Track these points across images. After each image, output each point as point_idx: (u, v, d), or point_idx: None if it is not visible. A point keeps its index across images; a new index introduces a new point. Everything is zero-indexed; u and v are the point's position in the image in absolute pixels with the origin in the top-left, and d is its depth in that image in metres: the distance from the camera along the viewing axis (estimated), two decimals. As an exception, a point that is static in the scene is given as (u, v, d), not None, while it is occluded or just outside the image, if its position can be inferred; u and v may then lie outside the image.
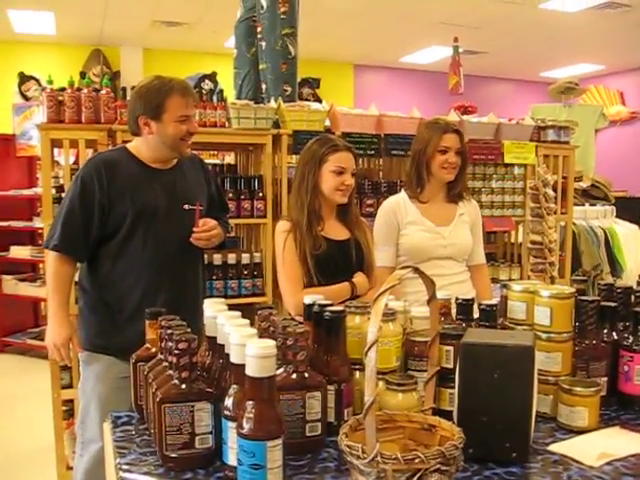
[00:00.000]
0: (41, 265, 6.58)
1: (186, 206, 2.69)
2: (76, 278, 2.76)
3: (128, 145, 2.75)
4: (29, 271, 6.93)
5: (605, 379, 1.82)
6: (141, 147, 2.70)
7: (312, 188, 2.64)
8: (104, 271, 2.64)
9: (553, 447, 1.55)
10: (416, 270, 1.36)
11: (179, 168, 2.77)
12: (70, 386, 3.49)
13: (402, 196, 3.04)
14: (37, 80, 9.00)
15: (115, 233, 2.60)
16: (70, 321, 2.67)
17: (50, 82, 3.49)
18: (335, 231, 2.71)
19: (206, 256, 3.53)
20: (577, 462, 1.47)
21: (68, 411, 3.58)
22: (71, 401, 3.54)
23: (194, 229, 2.67)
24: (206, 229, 2.70)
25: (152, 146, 2.67)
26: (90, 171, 2.59)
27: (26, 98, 8.80)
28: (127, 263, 2.62)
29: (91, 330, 2.70)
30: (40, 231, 6.19)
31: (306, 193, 2.65)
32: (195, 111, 2.73)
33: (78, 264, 2.71)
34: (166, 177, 2.71)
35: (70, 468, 3.45)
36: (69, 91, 3.36)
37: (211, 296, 3.20)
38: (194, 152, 2.94)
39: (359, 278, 2.67)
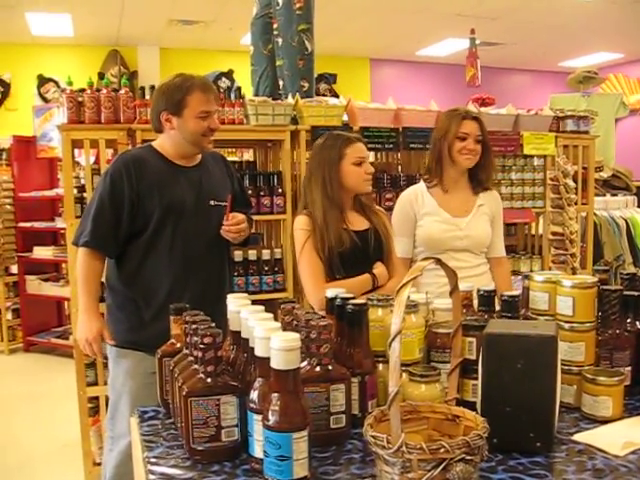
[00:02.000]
0: (64, 265, 6.64)
1: (212, 202, 2.74)
2: (102, 278, 2.79)
3: (153, 143, 2.80)
4: (52, 271, 7.00)
5: (629, 368, 1.81)
6: (165, 144, 2.74)
7: (337, 185, 2.66)
8: (132, 267, 2.68)
9: (577, 437, 1.55)
10: (438, 261, 1.37)
11: (204, 165, 2.82)
12: (95, 383, 3.53)
13: (420, 187, 3.03)
14: (56, 82, 9.07)
15: (143, 229, 2.65)
16: (100, 316, 2.72)
17: (70, 83, 3.53)
18: (355, 222, 2.72)
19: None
20: (602, 451, 1.47)
21: (93, 408, 3.61)
22: (96, 398, 3.58)
23: (224, 222, 2.71)
24: (235, 222, 2.73)
25: (174, 142, 2.72)
26: (119, 168, 2.64)
27: (45, 100, 8.88)
28: (155, 259, 2.66)
29: (120, 326, 2.74)
30: (62, 231, 6.27)
31: (331, 190, 2.66)
32: (217, 107, 2.77)
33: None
34: (192, 174, 2.75)
35: (97, 464, 3.49)
36: (88, 92, 3.39)
37: (232, 292, 3.22)
38: (216, 151, 2.99)
39: (379, 269, 2.68)
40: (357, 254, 2.65)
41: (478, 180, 3.00)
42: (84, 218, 2.69)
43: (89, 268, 2.66)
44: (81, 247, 2.65)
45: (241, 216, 2.78)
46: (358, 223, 2.73)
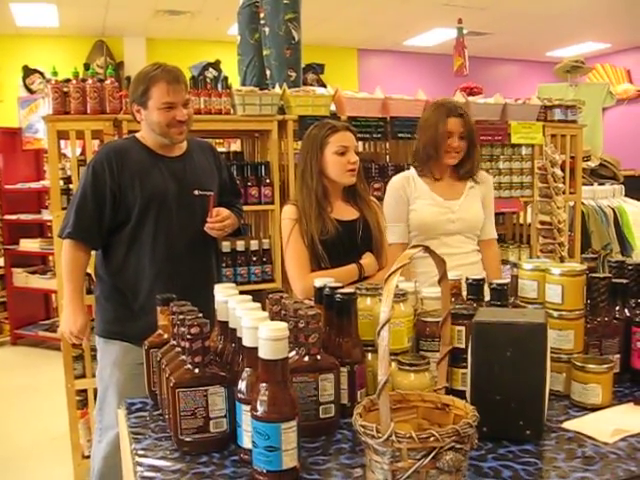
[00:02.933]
0: (51, 257, 6.61)
1: (196, 192, 2.71)
2: (89, 270, 2.79)
3: (137, 134, 2.79)
4: (39, 264, 6.96)
5: (618, 356, 1.81)
6: (144, 134, 2.75)
7: (317, 173, 2.63)
8: (118, 259, 2.68)
9: (567, 424, 1.55)
10: (426, 249, 1.36)
11: (188, 155, 2.80)
12: (83, 376, 3.51)
13: (411, 172, 3.03)
14: (41, 73, 8.99)
15: (126, 221, 2.64)
16: (84, 308, 2.71)
17: (55, 74, 3.49)
18: (343, 212, 2.69)
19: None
20: (591, 439, 1.47)
21: (82, 401, 3.60)
22: (84, 391, 3.56)
23: (208, 219, 2.69)
24: (219, 219, 2.72)
25: (147, 132, 2.73)
26: (101, 159, 2.64)
27: (31, 91, 8.79)
28: (139, 251, 2.66)
29: (107, 317, 2.75)
30: (49, 224, 6.23)
31: (311, 179, 2.63)
32: (185, 98, 2.69)
33: (92, 253, 2.75)
34: (175, 164, 2.74)
35: (85, 457, 3.48)
36: (74, 82, 3.35)
37: (221, 283, 3.20)
38: (204, 139, 2.97)
39: (367, 259, 2.66)
40: (343, 244, 2.63)
41: (463, 171, 2.99)
42: (68, 210, 2.69)
43: (73, 260, 2.65)
44: (65, 239, 2.64)
45: (226, 212, 2.77)
46: (346, 213, 2.70)
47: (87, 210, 2.60)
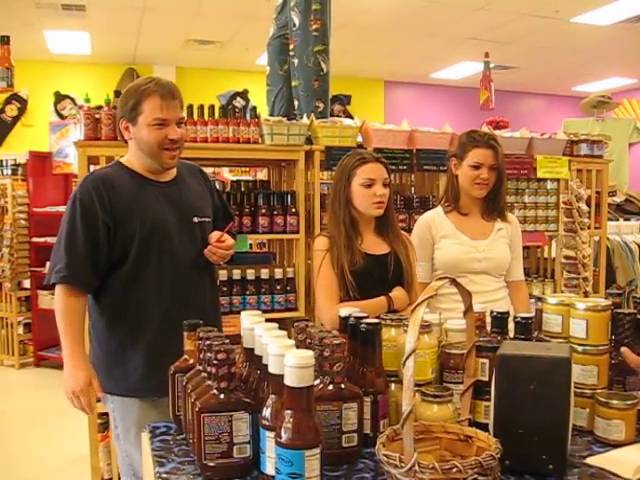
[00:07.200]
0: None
1: (195, 219, 2.50)
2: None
3: (122, 159, 2.53)
4: (64, 286, 6.99)
5: (643, 393, 1.80)
6: (132, 157, 2.48)
7: (345, 203, 2.61)
8: (115, 304, 2.40)
9: (590, 460, 1.54)
10: (452, 281, 1.37)
11: (180, 179, 2.55)
12: (106, 399, 3.52)
13: (438, 211, 3.01)
14: (72, 99, 9.18)
15: (124, 259, 2.36)
16: (87, 362, 2.38)
17: (87, 100, 3.57)
18: (374, 246, 2.66)
19: (239, 271, 3.58)
20: (614, 475, 1.46)
21: (103, 424, 3.60)
22: (106, 414, 3.55)
23: (211, 242, 2.49)
24: (224, 246, 2.51)
25: (136, 154, 2.45)
26: (88, 190, 2.35)
27: (62, 117, 8.97)
28: (141, 291, 2.38)
29: (117, 373, 2.44)
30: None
31: (339, 209, 2.62)
32: (180, 116, 2.43)
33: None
34: (169, 190, 2.49)
35: (105, 480, 3.49)
36: (105, 109, 3.41)
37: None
38: (191, 162, 2.75)
39: (397, 292, 2.62)
40: (373, 277, 2.60)
41: (492, 208, 2.96)
42: (55, 250, 2.35)
43: (70, 308, 2.33)
44: (58, 284, 2.32)
45: (232, 241, 2.57)
46: (376, 247, 2.66)
47: (79, 248, 2.29)
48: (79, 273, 2.31)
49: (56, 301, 2.34)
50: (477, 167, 2.86)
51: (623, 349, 1.74)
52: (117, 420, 2.47)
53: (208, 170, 3.73)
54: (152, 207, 2.41)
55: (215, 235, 2.51)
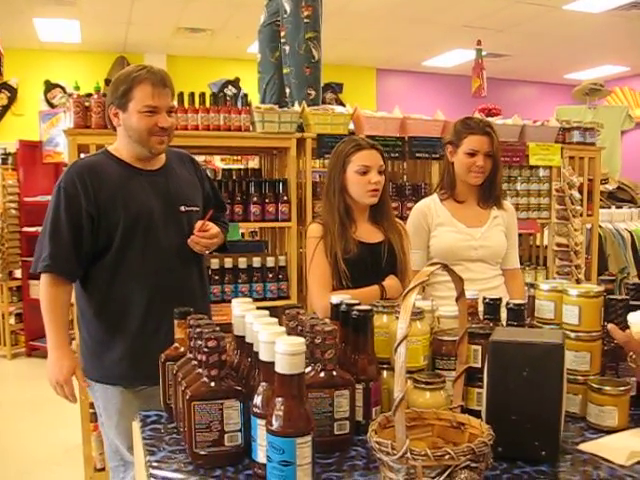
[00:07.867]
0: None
1: (183, 208, 2.49)
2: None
3: (109, 147, 2.52)
4: (56, 276, 6.97)
5: (634, 378, 1.80)
6: (119, 145, 2.47)
7: (339, 190, 2.59)
8: (101, 293, 2.40)
9: (583, 446, 1.54)
10: (444, 267, 1.36)
11: (169, 167, 2.54)
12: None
13: (433, 198, 2.99)
14: (63, 88, 9.13)
15: (107, 247, 2.36)
16: (72, 351, 2.43)
17: (77, 88, 3.55)
18: (368, 234, 2.64)
19: (231, 260, 3.57)
20: (607, 461, 1.46)
21: (95, 414, 3.58)
22: (98, 403, 3.56)
23: (195, 232, 2.46)
24: (207, 235, 2.48)
25: (125, 141, 2.44)
26: (72, 179, 2.35)
27: (52, 105, 8.92)
28: (125, 280, 2.38)
29: (105, 361, 2.45)
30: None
31: (334, 196, 2.59)
32: (171, 105, 2.43)
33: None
34: (157, 178, 2.48)
35: (98, 470, 3.48)
36: (95, 97, 3.39)
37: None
38: (182, 150, 2.73)
39: (390, 281, 2.60)
40: (366, 265, 2.58)
41: (488, 195, 2.94)
42: (40, 240, 2.38)
43: (54, 297, 2.33)
44: (43, 274, 2.32)
45: (216, 229, 2.53)
46: (371, 235, 2.64)
47: (63, 238, 2.30)
48: (63, 262, 2.32)
49: (41, 290, 2.34)
50: (473, 154, 2.83)
51: (609, 326, 1.74)
52: (101, 408, 2.50)
53: (199, 158, 3.70)
54: (137, 196, 2.40)
55: (198, 224, 2.49)
